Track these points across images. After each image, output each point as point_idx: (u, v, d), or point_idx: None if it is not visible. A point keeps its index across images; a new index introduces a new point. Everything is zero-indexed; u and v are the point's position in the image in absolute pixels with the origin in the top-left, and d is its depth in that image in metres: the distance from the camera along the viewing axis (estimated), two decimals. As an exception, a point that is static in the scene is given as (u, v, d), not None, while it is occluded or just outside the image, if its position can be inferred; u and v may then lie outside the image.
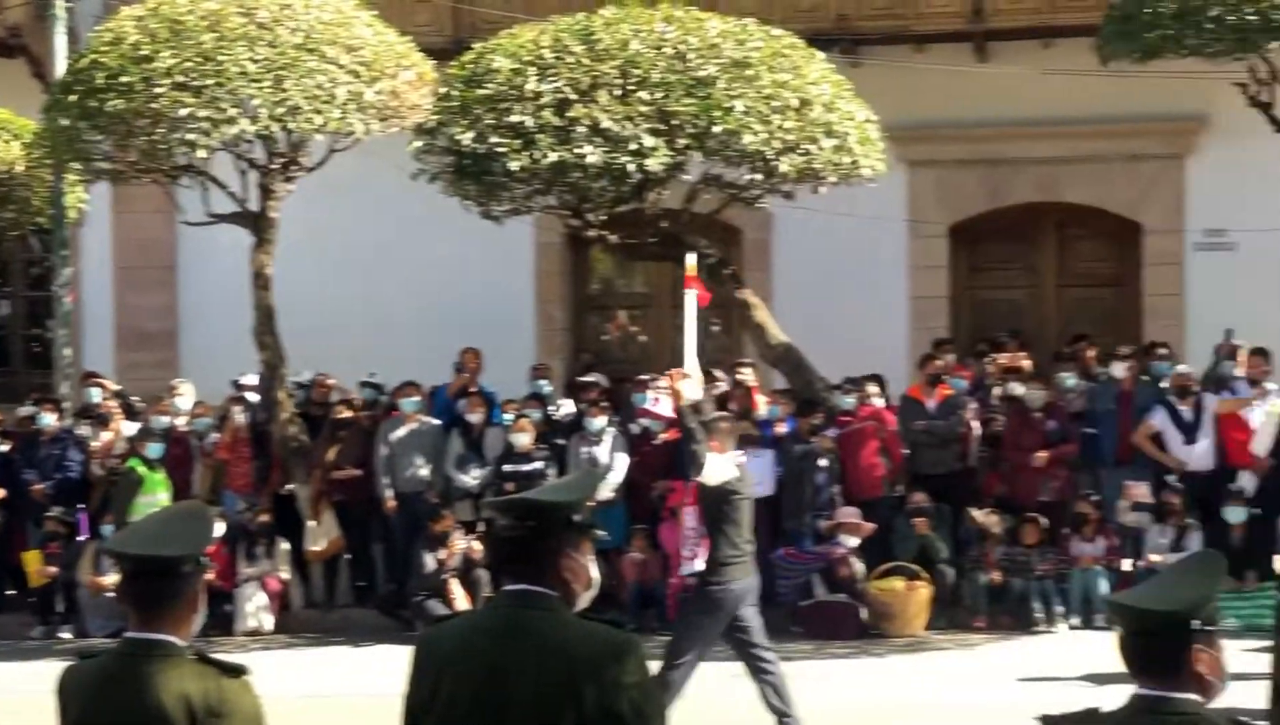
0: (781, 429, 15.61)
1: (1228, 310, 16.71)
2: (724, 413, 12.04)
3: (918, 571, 14.66)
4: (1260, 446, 14.97)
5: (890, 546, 15.03)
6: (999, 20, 18.46)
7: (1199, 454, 15.26)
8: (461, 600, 14.53)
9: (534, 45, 14.47)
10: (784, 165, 14.14)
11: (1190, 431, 15.29)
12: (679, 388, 10.41)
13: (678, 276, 18.43)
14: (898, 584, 14.64)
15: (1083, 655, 12.82)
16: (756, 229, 19.16)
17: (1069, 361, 16.44)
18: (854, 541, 14.83)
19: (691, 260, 12.15)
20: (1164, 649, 3.80)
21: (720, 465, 10.22)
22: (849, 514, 14.96)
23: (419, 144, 14.69)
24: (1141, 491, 15.04)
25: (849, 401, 15.70)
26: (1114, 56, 14.72)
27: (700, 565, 10.57)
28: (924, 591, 14.62)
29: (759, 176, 14.52)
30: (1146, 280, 19.18)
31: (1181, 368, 15.86)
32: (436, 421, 16.16)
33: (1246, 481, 15.02)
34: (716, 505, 10.25)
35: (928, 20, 18.62)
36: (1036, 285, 19.91)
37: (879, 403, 15.67)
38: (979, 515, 14.96)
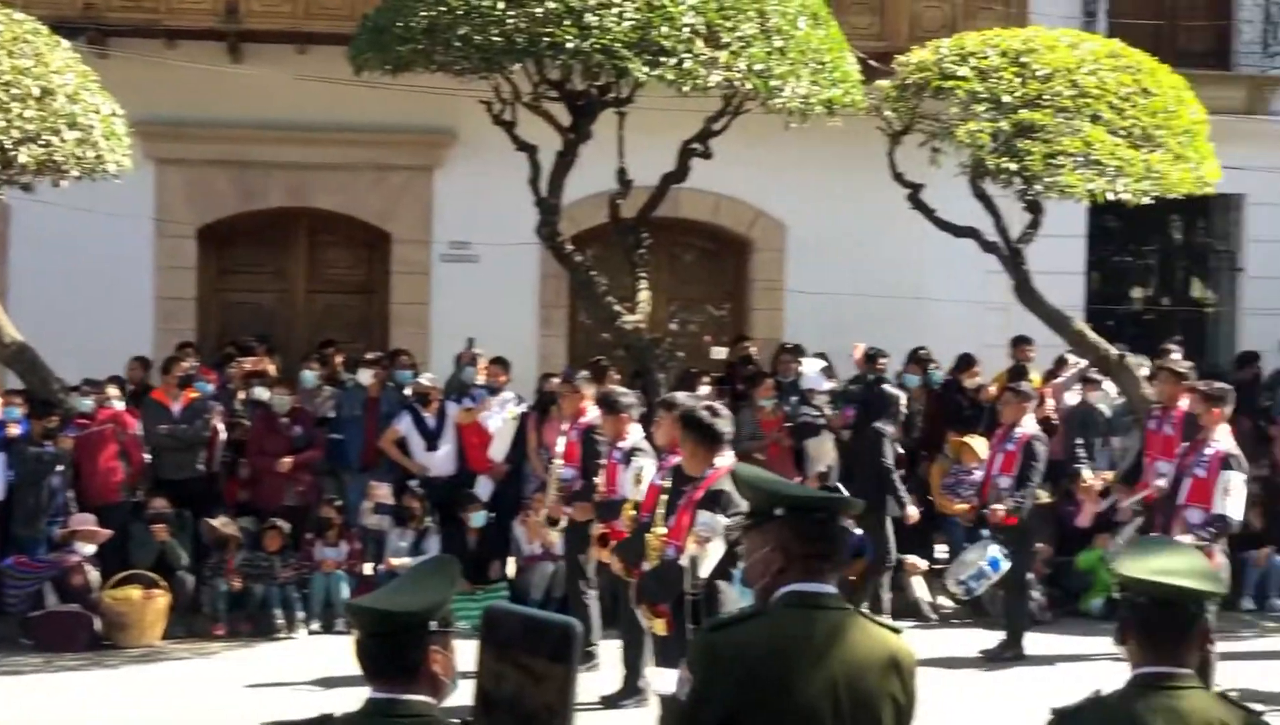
0: (15, 431, 14.88)
1: (470, 320, 17.31)
2: None
3: (156, 579, 14.31)
4: (498, 452, 15.56)
5: (128, 554, 14.59)
6: (253, 22, 18.34)
7: (440, 459, 15.69)
8: None
9: None
10: (23, 156, 13.50)
11: (433, 437, 15.69)
12: None
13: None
14: (134, 592, 14.22)
15: (321, 660, 12.87)
16: (-9, 220, 18.25)
17: (317, 365, 16.51)
18: (89, 549, 14.31)
19: None
20: (402, 650, 3.84)
21: None
22: (84, 520, 14.44)
23: None
24: (384, 492, 15.30)
25: (88, 403, 15.16)
26: (366, 67, 14.83)
27: None
28: (162, 600, 14.27)
29: (-6, 167, 13.79)
30: (394, 289, 19.57)
31: (426, 375, 16.24)
32: None
33: (484, 487, 15.56)
34: None
35: (180, 15, 18.25)
36: (286, 290, 19.93)
37: (119, 405, 15.21)
38: (215, 524, 14.77)
